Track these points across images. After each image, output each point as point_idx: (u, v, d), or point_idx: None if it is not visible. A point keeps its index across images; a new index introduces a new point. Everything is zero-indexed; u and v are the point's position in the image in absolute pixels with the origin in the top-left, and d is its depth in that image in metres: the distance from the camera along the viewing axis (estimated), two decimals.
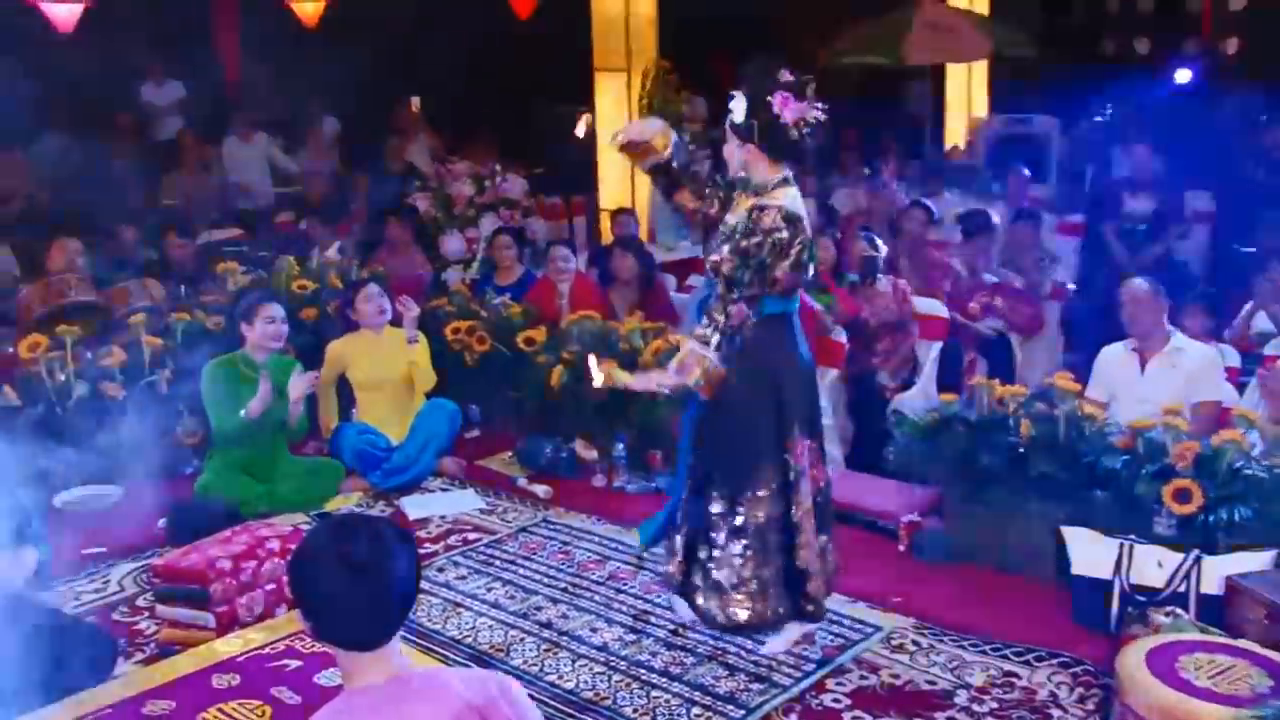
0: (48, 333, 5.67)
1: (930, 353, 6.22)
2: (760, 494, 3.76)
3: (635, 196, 8.67)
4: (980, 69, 11.95)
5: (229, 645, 3.54)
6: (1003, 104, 12.33)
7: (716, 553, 3.82)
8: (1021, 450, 4.35)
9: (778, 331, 3.76)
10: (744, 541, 3.78)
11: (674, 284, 7.46)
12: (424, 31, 11.96)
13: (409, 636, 3.85)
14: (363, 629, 2.06)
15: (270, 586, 4.14)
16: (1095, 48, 13.42)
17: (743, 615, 3.83)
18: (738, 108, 3.71)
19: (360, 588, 2.02)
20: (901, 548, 4.68)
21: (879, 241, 6.49)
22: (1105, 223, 7.70)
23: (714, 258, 3.74)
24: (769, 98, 3.63)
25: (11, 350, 5.69)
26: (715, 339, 3.66)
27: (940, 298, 6.56)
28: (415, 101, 11.13)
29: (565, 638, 4.10)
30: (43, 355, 5.51)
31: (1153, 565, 3.88)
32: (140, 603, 4.41)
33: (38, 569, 3.53)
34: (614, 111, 8.64)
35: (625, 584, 4.51)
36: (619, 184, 8.71)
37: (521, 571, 4.62)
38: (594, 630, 4.14)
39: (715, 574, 3.83)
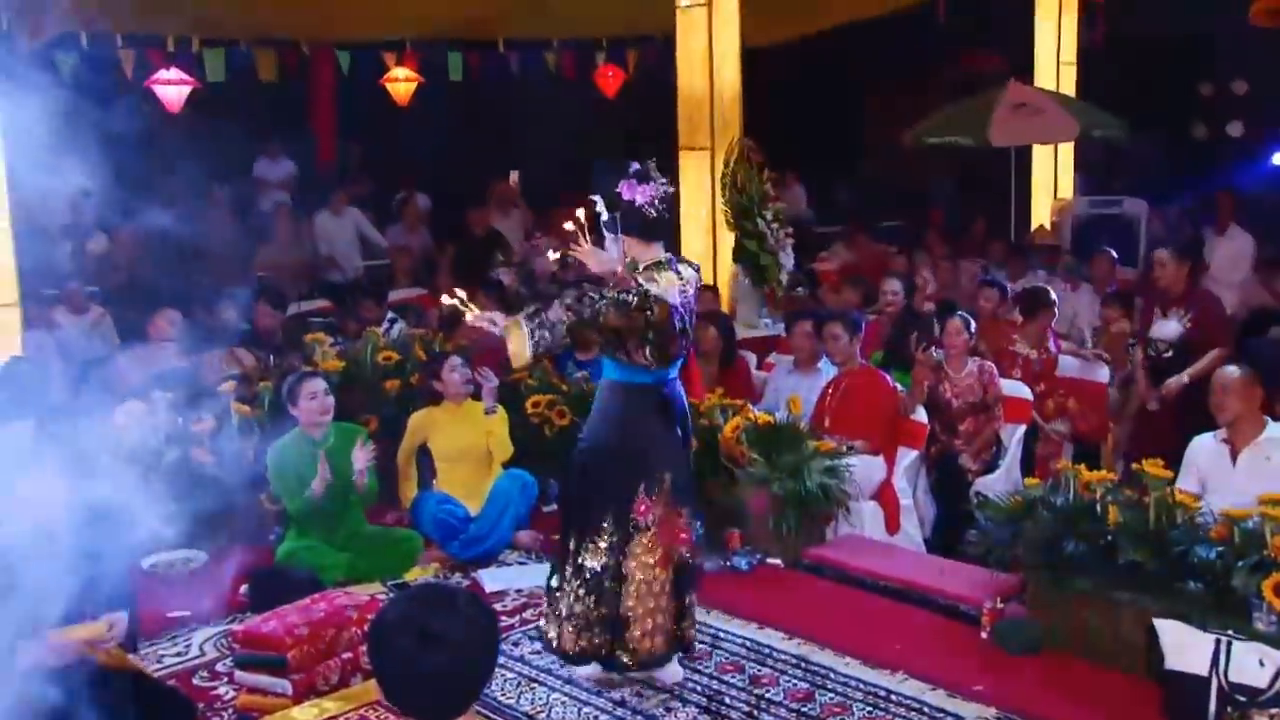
0: (143, 398, 5.78)
1: (1014, 435, 6.14)
2: (600, 543, 4.10)
3: (717, 273, 8.67)
4: (1067, 150, 11.87)
5: (305, 713, 3.58)
6: (1090, 185, 12.23)
7: (565, 585, 4.16)
8: (1109, 538, 4.23)
9: (648, 401, 4.08)
10: (575, 580, 4.14)
11: (754, 361, 7.44)
12: (516, 110, 12.29)
13: (483, 710, 3.80)
14: (437, 700, 2.06)
15: (347, 655, 4.17)
16: (1187, 130, 13.29)
17: (568, 646, 4.17)
18: (601, 207, 4.08)
19: (435, 659, 2.03)
20: (983, 634, 4.57)
21: (971, 322, 6.42)
22: None
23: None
24: (618, 190, 4.04)
25: (110, 415, 5.86)
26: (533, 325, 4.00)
27: (1013, 378, 6.48)
28: (515, 176, 11.38)
29: (639, 717, 4.05)
30: (138, 421, 5.61)
31: (1254, 663, 3.73)
32: (220, 668, 4.47)
33: (126, 631, 3.62)
34: (697, 190, 8.69)
35: (700, 664, 4.46)
36: (701, 261, 8.64)
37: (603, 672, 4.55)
38: (668, 709, 4.10)
39: (560, 603, 4.15)
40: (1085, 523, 4.31)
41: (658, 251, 4.10)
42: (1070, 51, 11.76)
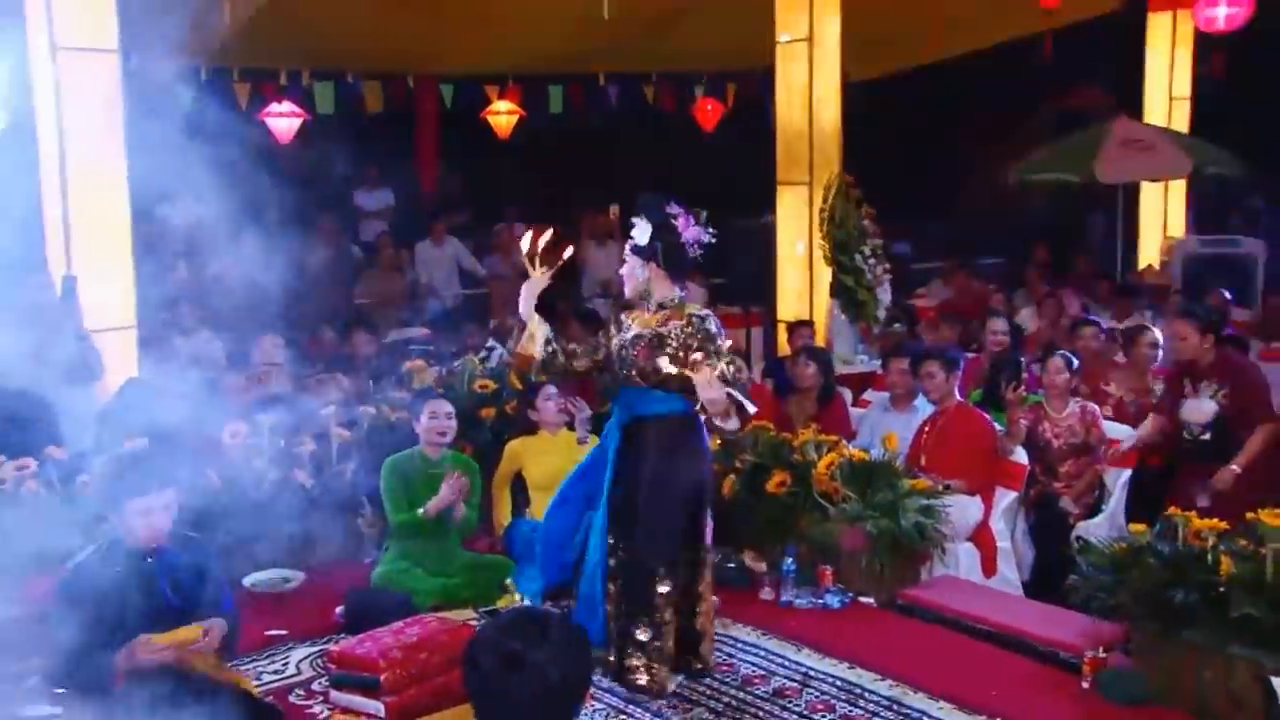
0: (247, 421, 5.94)
1: (1119, 479, 5.99)
2: (676, 569, 4.24)
3: (814, 308, 8.67)
4: (1178, 187, 11.60)
5: None
6: (1204, 224, 11.91)
7: (659, 629, 4.20)
8: (1221, 589, 4.09)
9: (696, 427, 4.26)
10: (669, 612, 4.23)
11: (850, 397, 7.41)
12: (615, 143, 12.40)
13: None
14: None
15: (439, 679, 4.18)
16: None
17: (664, 681, 4.25)
18: (641, 232, 4.20)
19: (526, 685, 2.04)
20: (1084, 684, 4.44)
21: (1074, 361, 6.29)
22: None
23: (659, 367, 4.21)
24: (673, 221, 4.18)
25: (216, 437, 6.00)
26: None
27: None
28: (615, 210, 11.49)
29: None
30: (242, 442, 5.80)
31: None
32: (315, 687, 4.55)
33: (227, 641, 3.71)
34: (794, 224, 8.72)
35: (790, 701, 4.42)
36: (798, 296, 8.76)
37: (685, 682, 4.55)
38: None
39: (655, 643, 4.20)
40: (1196, 572, 4.16)
41: (675, 290, 4.32)
42: (1183, 85, 11.54)
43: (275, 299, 7.56)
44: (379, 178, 11.39)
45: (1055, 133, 11.24)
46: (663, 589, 4.21)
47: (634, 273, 4.24)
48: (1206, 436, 5.64)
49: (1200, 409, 5.64)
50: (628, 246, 4.25)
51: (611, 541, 4.29)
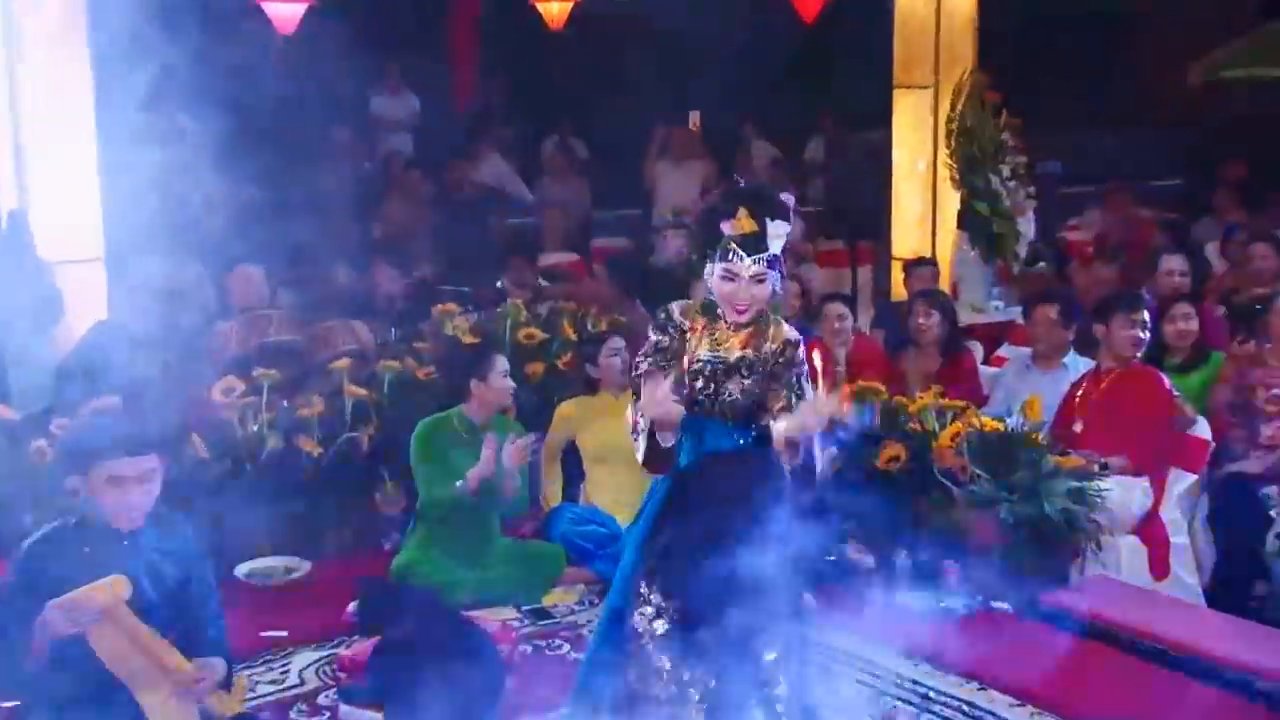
0: (244, 376, 5.94)
1: None
2: None
3: (936, 243, 8.59)
4: None
5: None
6: None
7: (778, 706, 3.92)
8: None
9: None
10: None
11: (981, 354, 7.35)
12: (694, 38, 12.18)
13: None
14: None
15: None
16: None
17: None
18: (777, 235, 3.87)
19: None
20: None
21: None
22: None
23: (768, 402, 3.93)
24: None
25: (204, 394, 5.96)
26: None
27: None
28: (695, 117, 11.32)
29: None
30: (237, 402, 5.78)
31: None
32: (322, 700, 4.56)
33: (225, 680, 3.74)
34: (915, 136, 8.60)
35: None
36: (916, 227, 8.67)
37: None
38: None
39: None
40: None
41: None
42: None
43: (274, 227, 7.60)
44: (401, 79, 11.30)
45: (1256, 19, 10.86)
46: (769, 657, 3.97)
47: (768, 291, 3.91)
48: None
49: None
50: (762, 260, 3.86)
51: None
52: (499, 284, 7.81)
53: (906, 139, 8.59)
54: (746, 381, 3.90)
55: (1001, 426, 5.44)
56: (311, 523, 5.71)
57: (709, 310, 3.93)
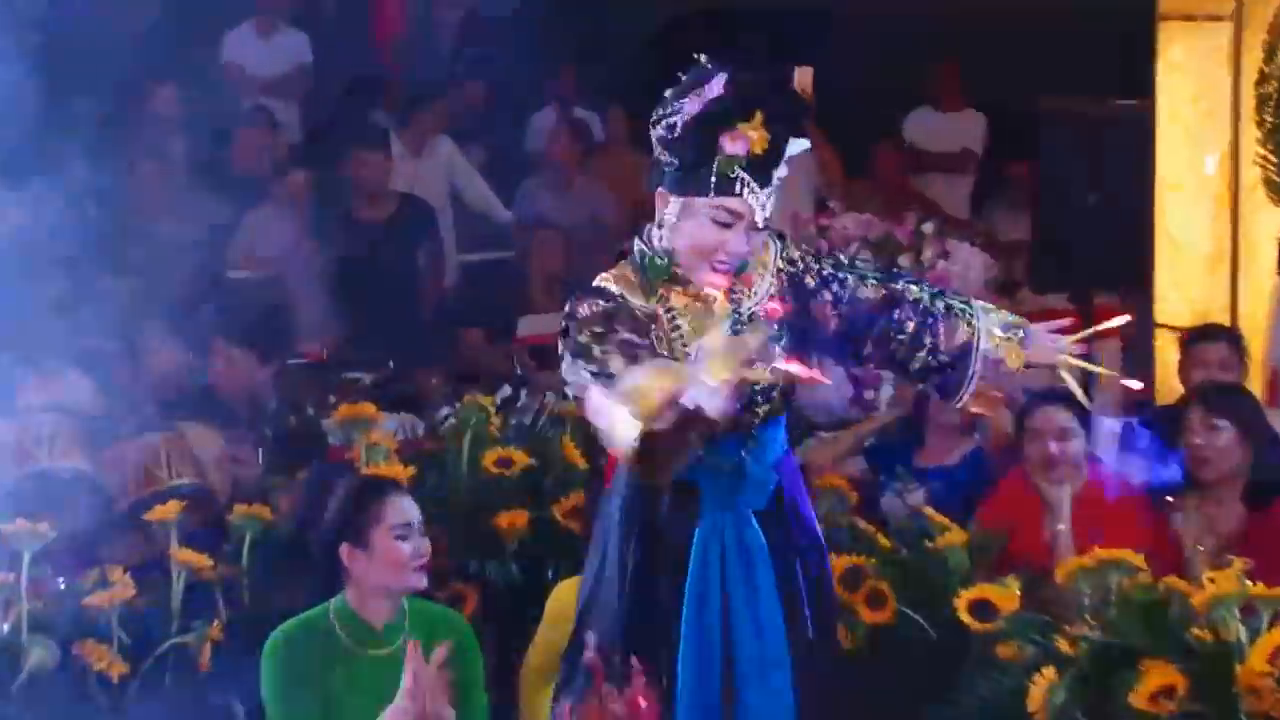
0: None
1: None
2: None
3: (1238, 300, 6.79)
4: None
5: None
6: None
7: None
8: None
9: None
10: None
11: None
12: None
13: None
14: None
15: None
16: None
17: None
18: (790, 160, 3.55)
19: None
20: None
21: None
22: None
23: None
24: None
25: None
26: None
27: None
28: (801, 75, 9.32)
29: None
30: None
31: None
32: None
33: None
34: (1195, 109, 6.60)
35: None
36: (1202, 272, 6.86)
37: None
38: None
39: None
40: None
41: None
42: None
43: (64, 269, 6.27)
44: (281, 12, 9.52)
45: None
46: None
47: (760, 244, 3.40)
48: None
49: None
50: (773, 195, 3.34)
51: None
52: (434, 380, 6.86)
53: (1181, 113, 6.63)
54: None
55: None
56: None
57: (656, 273, 3.35)
